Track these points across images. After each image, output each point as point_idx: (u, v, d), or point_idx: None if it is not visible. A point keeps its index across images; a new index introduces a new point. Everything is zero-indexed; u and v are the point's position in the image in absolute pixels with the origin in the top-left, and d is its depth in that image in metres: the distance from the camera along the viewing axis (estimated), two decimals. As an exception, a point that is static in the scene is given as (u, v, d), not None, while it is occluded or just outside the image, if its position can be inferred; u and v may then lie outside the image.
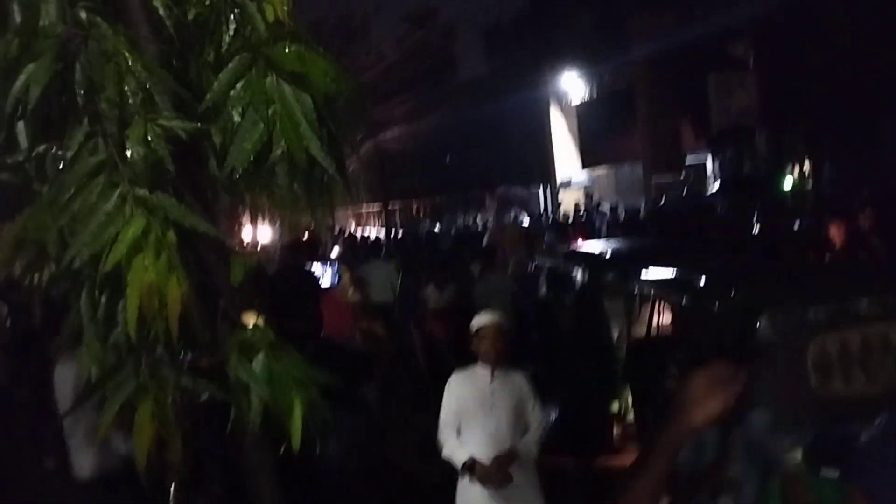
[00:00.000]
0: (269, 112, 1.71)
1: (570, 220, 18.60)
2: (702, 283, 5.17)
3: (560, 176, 26.94)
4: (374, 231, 33.63)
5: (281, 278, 5.99)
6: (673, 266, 5.92)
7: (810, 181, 15.99)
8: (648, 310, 6.12)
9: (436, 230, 21.44)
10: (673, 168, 20.33)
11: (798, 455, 4.08)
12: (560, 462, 6.75)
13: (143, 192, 1.59)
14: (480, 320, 4.25)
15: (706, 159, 21.49)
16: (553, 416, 7.44)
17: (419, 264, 10.00)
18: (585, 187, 25.56)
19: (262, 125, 1.69)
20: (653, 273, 6.09)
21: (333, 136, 1.80)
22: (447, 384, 4.24)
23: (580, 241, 12.58)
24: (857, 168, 13.73)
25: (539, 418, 4.20)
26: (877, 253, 7.22)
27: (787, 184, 16.00)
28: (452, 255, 11.45)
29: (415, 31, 37.62)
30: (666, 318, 5.80)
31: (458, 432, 4.14)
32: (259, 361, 1.73)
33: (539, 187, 28.66)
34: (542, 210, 26.50)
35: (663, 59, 19.13)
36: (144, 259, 1.55)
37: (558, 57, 24.93)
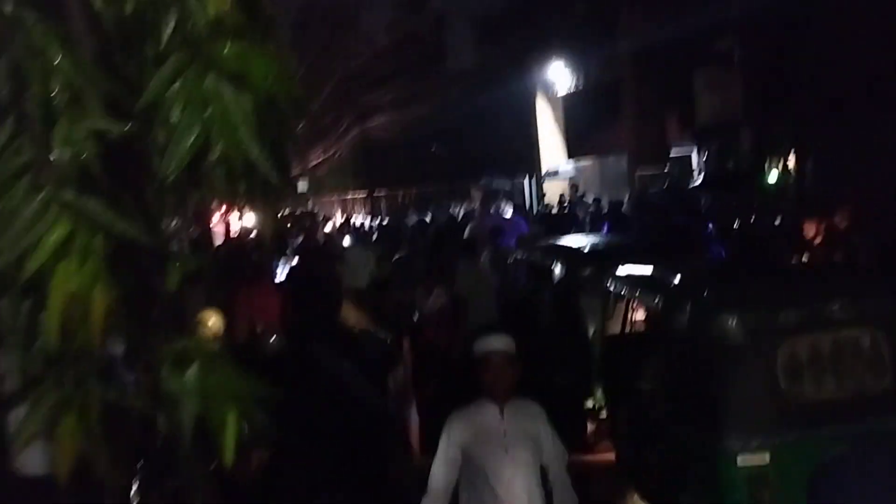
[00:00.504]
0: (207, 113, 1.63)
1: (554, 212, 18.58)
2: (676, 282, 5.15)
3: (545, 167, 26.87)
4: (356, 218, 33.47)
5: (298, 274, 5.87)
6: (649, 263, 5.90)
7: (794, 178, 16.02)
8: (624, 307, 6.08)
9: (418, 219, 21.39)
10: (658, 160, 20.32)
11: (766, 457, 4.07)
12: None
13: (69, 195, 1.52)
14: (485, 346, 3.44)
15: (691, 152, 21.51)
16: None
17: (398, 255, 9.93)
18: (570, 178, 25.51)
19: (198, 126, 1.62)
20: (630, 269, 6.07)
21: (276, 139, 1.73)
22: (446, 427, 3.48)
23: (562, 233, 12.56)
24: (840, 167, 13.76)
25: (560, 456, 3.52)
26: (854, 253, 7.21)
27: (771, 179, 16.02)
28: (434, 246, 11.38)
29: (405, 19, 37.37)
30: (641, 315, 5.76)
31: (461, 481, 3.44)
32: (192, 373, 1.66)
33: (525, 178, 28.60)
34: (526, 200, 26.45)
35: (650, 53, 19.09)
36: (68, 266, 1.48)
37: (547, 47, 24.83)
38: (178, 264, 1.76)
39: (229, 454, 1.65)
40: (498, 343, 3.45)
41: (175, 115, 1.65)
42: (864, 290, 4.42)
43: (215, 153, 1.63)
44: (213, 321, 3.09)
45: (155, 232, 1.77)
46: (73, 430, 1.55)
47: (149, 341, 1.67)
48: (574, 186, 23.61)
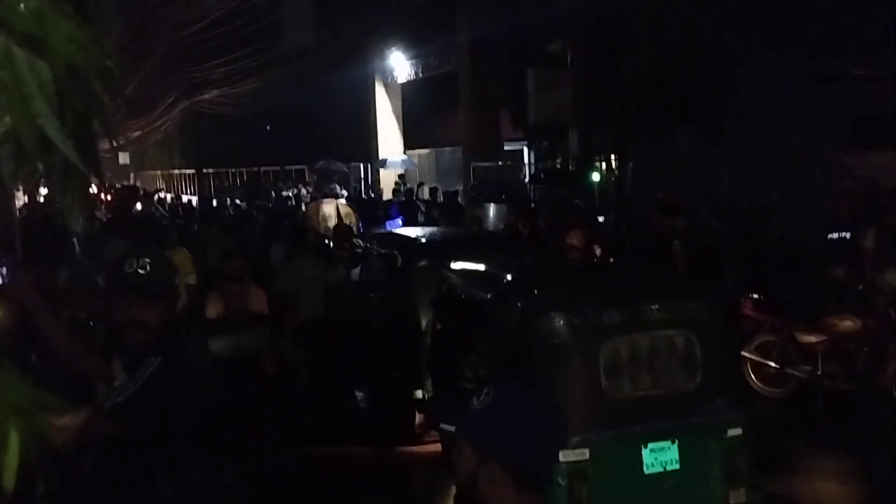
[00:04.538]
0: (-6, 80, 1.39)
1: (389, 200, 18.57)
2: (507, 279, 5.21)
3: (382, 154, 26.85)
4: (174, 196, 31.93)
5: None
6: (482, 258, 5.95)
7: (615, 178, 16.91)
8: (456, 300, 6.09)
9: (237, 202, 20.71)
10: (491, 154, 20.78)
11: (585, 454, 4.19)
12: (361, 451, 6.67)
13: None
14: None
15: (523, 147, 22.21)
16: (360, 401, 7.33)
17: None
18: (396, 169, 25.63)
19: (-19, 95, 1.37)
20: (464, 263, 6.10)
21: (80, 115, 1.50)
22: None
23: (397, 222, 12.53)
24: (655, 171, 14.67)
25: None
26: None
27: (595, 178, 16.81)
28: (253, 231, 11.01)
29: (241, -10, 35.94)
30: (472, 309, 5.79)
31: None
32: (-33, 383, 1.42)
33: (360, 165, 28.42)
34: (361, 188, 26.31)
35: (486, 48, 19.47)
36: None
37: (387, 33, 24.74)
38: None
39: (10, 477, 1.42)
40: None
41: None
42: (681, 294, 4.65)
43: (2, 126, 1.39)
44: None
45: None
46: None
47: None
48: (401, 176, 23.69)
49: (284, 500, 5.72)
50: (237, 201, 21.43)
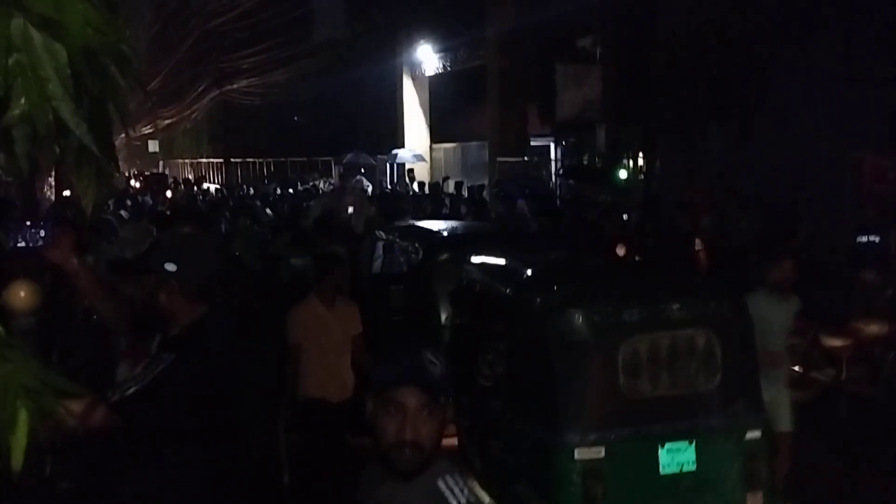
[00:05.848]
0: (10, 62, 1.39)
1: (414, 194, 18.58)
2: (527, 275, 5.18)
3: (409, 147, 26.84)
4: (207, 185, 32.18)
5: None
6: (504, 254, 5.93)
7: (642, 176, 16.77)
8: (476, 295, 6.08)
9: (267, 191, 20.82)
10: (518, 150, 20.70)
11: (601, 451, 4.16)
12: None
13: None
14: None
15: (549, 144, 22.08)
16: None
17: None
18: (433, 162, 25.62)
19: (-3, 76, 1.37)
20: (484, 258, 6.08)
21: (95, 99, 1.50)
22: None
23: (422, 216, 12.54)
24: (683, 169, 14.53)
25: None
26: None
27: (622, 176, 16.69)
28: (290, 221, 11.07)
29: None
30: (491, 305, 5.77)
31: None
32: (-23, 363, 1.43)
33: (387, 158, 28.46)
34: (387, 181, 26.32)
35: (515, 43, 19.40)
36: None
37: (417, 26, 24.72)
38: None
39: (18, 458, 1.43)
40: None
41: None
42: (702, 292, 4.60)
43: (18, 108, 1.39)
44: (24, 293, 2.74)
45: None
46: None
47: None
48: (409, 171, 23.63)
49: (293, 487, 5.75)
50: (278, 190, 21.52)
